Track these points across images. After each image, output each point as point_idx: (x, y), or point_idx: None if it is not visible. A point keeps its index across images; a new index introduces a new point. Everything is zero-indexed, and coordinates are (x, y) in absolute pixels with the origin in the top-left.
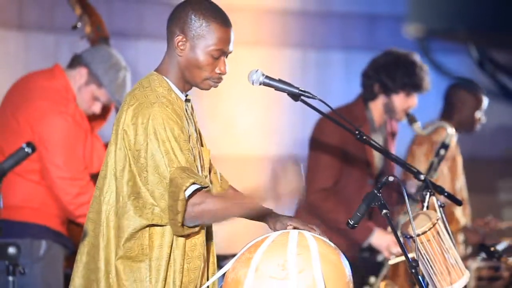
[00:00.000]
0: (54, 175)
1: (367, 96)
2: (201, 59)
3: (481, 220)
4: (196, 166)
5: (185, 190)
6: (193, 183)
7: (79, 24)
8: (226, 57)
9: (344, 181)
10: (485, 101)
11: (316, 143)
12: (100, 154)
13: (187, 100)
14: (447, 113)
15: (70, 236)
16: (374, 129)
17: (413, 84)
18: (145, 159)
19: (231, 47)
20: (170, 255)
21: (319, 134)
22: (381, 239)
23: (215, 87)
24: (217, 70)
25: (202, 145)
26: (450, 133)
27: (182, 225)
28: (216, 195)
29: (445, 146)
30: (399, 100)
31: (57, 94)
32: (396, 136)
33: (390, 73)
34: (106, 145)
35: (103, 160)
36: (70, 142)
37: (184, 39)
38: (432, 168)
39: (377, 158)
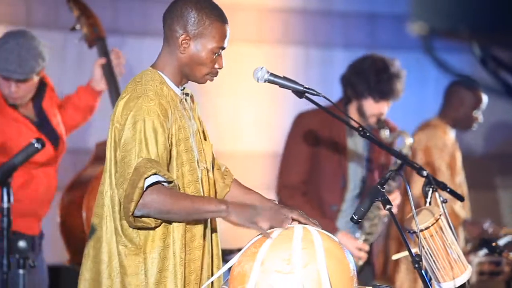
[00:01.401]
0: None
1: (344, 98)
2: (204, 56)
3: (478, 227)
4: (192, 158)
5: (146, 178)
6: (155, 174)
7: (77, 26)
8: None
9: (315, 180)
10: (484, 101)
11: (288, 140)
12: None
13: (186, 94)
14: (445, 110)
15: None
16: (350, 133)
17: (379, 91)
18: (120, 148)
19: (227, 43)
20: (163, 248)
21: (292, 131)
22: (344, 242)
23: (211, 81)
24: (216, 66)
25: (205, 139)
26: (408, 144)
27: (133, 214)
28: (172, 191)
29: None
30: (368, 105)
31: None
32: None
33: (360, 77)
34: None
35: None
36: None
37: (188, 38)
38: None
39: (352, 161)
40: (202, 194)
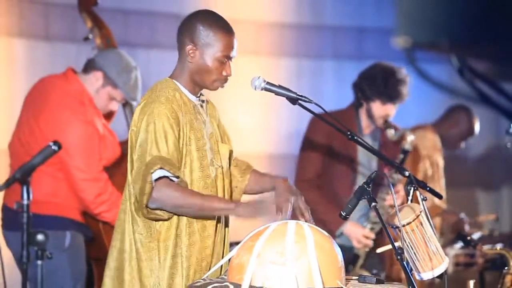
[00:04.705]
0: (77, 178)
1: (356, 103)
2: (210, 64)
3: (455, 216)
4: (203, 156)
5: (152, 173)
6: (160, 168)
7: (90, 36)
8: (231, 60)
9: (329, 175)
10: (476, 134)
11: (304, 140)
12: (115, 148)
13: (202, 101)
14: (439, 124)
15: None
16: (361, 134)
17: (386, 94)
18: (136, 149)
19: (235, 52)
20: (176, 236)
21: (308, 133)
22: (353, 230)
23: (222, 87)
24: (224, 73)
25: (222, 141)
26: (410, 140)
27: (147, 207)
28: (182, 188)
29: (404, 151)
30: (376, 108)
31: (75, 100)
32: (392, 149)
33: (369, 82)
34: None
35: (116, 153)
36: (89, 146)
37: (194, 48)
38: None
39: (362, 158)
40: (214, 189)
